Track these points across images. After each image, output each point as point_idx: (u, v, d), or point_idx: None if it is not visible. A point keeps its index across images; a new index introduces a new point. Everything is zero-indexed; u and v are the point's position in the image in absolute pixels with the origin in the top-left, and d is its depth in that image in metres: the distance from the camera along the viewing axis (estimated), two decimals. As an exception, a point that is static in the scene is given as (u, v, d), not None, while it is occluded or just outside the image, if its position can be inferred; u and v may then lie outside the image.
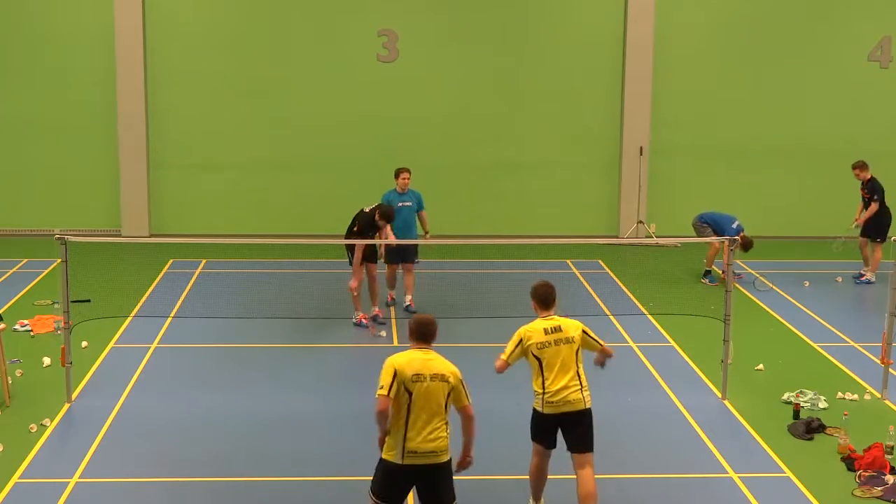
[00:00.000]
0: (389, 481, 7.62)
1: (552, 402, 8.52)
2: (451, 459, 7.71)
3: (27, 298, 15.26)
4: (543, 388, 8.53)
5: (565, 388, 8.49)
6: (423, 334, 7.77)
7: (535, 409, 8.70)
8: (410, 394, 7.50)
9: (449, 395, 7.63)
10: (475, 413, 7.81)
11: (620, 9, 19.70)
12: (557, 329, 8.55)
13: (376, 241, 13.85)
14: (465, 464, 7.92)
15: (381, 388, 7.53)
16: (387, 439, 7.60)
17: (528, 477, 8.99)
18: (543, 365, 8.51)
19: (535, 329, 8.58)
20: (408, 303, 14.91)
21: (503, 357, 8.60)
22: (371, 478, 7.83)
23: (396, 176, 14.89)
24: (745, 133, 20.23)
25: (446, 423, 7.65)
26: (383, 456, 7.63)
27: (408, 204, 14.75)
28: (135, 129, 19.37)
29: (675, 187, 20.28)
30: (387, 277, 15.04)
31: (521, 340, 8.57)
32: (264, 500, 9.30)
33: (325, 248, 17.50)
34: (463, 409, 7.72)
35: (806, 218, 20.36)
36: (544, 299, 8.68)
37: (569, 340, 8.54)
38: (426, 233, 15.18)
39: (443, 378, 7.60)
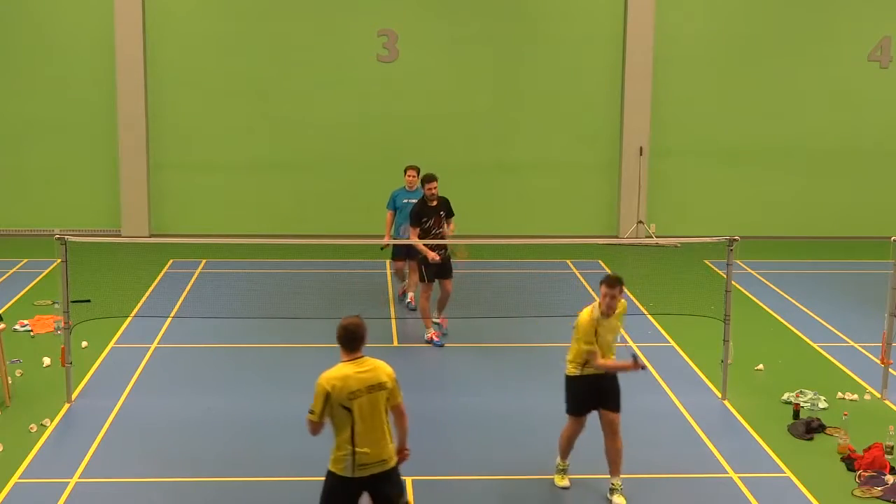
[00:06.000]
0: (340, 494, 7.41)
1: None
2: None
3: (27, 298, 15.27)
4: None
5: None
6: (351, 340, 7.40)
7: None
8: (350, 410, 7.25)
9: (387, 399, 7.41)
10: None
11: (620, 9, 19.70)
12: None
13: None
14: (403, 457, 7.69)
15: (312, 413, 7.28)
16: (335, 452, 7.36)
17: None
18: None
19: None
20: (408, 300, 14.99)
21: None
22: None
23: (404, 173, 14.79)
24: (744, 133, 20.24)
25: (388, 427, 7.45)
26: (332, 469, 7.39)
27: (413, 201, 14.72)
28: (135, 129, 19.37)
29: (675, 187, 20.29)
30: (396, 271, 15.08)
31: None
32: (264, 500, 9.30)
33: (324, 248, 17.50)
34: (396, 406, 7.47)
35: (806, 218, 20.38)
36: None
37: None
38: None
39: (381, 387, 7.34)
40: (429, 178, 13.41)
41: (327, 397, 7.24)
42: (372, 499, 7.58)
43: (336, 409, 7.25)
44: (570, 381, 9.28)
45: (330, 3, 19.65)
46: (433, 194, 13.35)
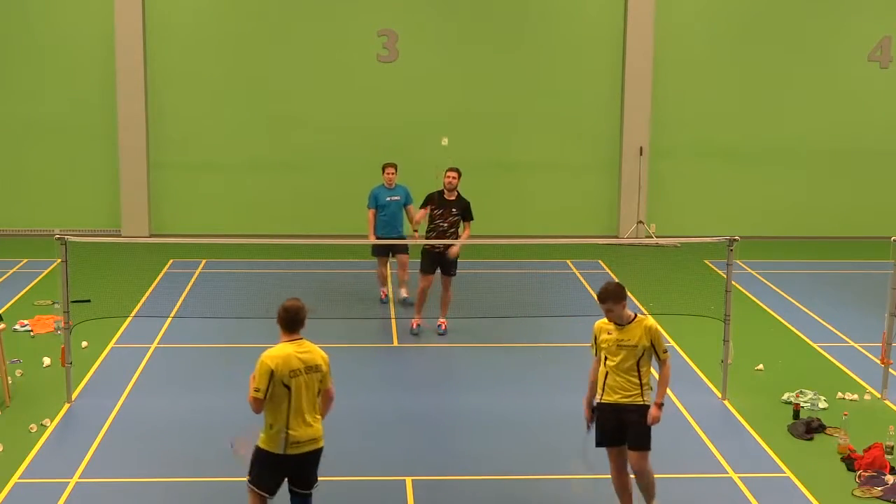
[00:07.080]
0: (271, 471, 7.71)
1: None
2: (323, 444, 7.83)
3: (27, 298, 15.26)
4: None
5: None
6: (292, 322, 7.70)
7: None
8: (289, 388, 7.55)
9: (320, 381, 7.72)
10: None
11: (620, 9, 19.70)
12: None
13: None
14: None
15: (257, 390, 7.56)
16: (267, 431, 7.64)
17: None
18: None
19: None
20: (404, 296, 14.98)
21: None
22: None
23: (382, 171, 14.84)
24: (745, 133, 20.24)
25: (318, 408, 7.78)
26: (263, 446, 7.68)
27: (396, 199, 14.71)
28: (135, 129, 19.37)
29: (675, 187, 20.29)
30: (379, 274, 15.08)
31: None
32: (264, 500, 9.30)
33: (324, 248, 17.49)
34: (327, 391, 7.82)
35: (806, 218, 20.38)
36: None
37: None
38: (415, 229, 14.34)
39: (317, 369, 7.67)
40: (450, 168, 13.60)
41: (271, 374, 7.54)
42: (290, 479, 7.83)
43: (277, 386, 7.56)
44: (595, 409, 8.52)
45: (330, 3, 19.66)
46: (451, 185, 13.42)
